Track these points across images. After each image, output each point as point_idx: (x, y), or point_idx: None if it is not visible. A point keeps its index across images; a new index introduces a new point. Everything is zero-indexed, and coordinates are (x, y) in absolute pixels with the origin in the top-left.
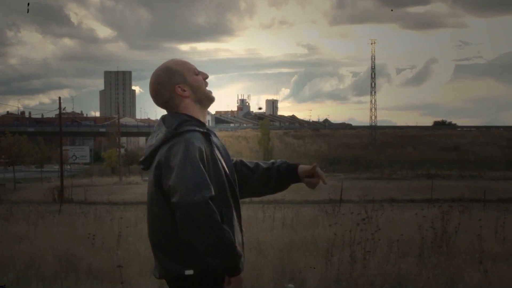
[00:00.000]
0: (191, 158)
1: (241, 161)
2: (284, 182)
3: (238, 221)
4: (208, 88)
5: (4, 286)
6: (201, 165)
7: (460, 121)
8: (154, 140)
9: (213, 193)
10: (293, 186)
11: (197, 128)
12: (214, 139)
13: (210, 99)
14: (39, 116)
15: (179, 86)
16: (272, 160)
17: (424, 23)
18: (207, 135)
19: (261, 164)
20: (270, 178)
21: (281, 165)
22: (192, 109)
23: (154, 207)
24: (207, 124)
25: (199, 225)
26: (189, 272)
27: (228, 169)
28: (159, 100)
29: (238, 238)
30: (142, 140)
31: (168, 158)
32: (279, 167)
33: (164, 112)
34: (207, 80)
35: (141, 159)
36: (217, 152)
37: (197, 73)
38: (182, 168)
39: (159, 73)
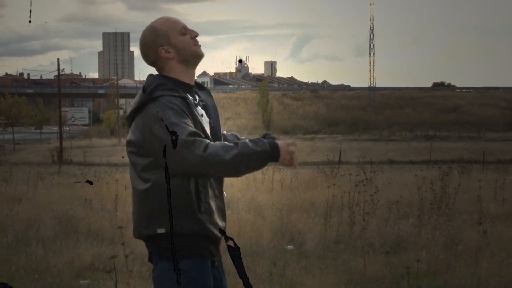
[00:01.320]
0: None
1: (232, 135)
2: None
3: (217, 185)
4: (198, 45)
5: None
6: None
7: (459, 82)
8: (134, 101)
9: (190, 130)
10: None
11: (172, 93)
12: (201, 97)
13: (198, 56)
14: (38, 78)
15: (163, 48)
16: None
17: None
18: (184, 99)
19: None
20: None
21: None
22: (177, 70)
23: (131, 170)
24: (193, 83)
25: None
26: (161, 230)
27: (212, 130)
28: (147, 60)
29: (214, 203)
30: None
31: (143, 129)
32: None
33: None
34: (197, 38)
35: (126, 116)
36: (199, 112)
37: (184, 32)
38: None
39: (145, 33)
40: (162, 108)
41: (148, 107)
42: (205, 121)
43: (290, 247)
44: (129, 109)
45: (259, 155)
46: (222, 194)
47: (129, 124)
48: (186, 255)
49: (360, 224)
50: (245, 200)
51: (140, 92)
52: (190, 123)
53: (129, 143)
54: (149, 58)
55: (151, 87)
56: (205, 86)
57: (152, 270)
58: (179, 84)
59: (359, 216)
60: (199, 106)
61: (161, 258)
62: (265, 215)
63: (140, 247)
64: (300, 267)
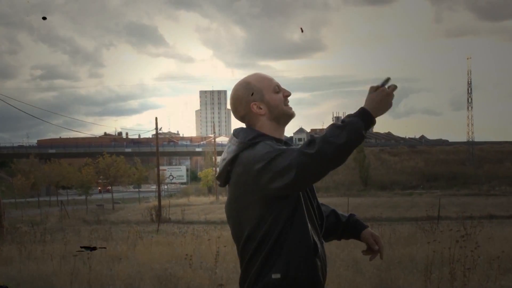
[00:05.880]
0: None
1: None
2: (346, 235)
3: (315, 233)
4: (291, 105)
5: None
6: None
7: None
8: (226, 153)
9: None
10: (390, 202)
11: (272, 142)
12: None
13: (289, 116)
14: (136, 137)
15: (255, 104)
16: (345, 214)
17: None
18: (286, 144)
19: (337, 212)
20: (337, 227)
21: (351, 218)
22: (267, 127)
23: (248, 212)
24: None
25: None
26: (276, 276)
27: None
28: (237, 114)
29: (321, 247)
30: None
31: (250, 159)
32: (348, 220)
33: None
34: (288, 98)
35: (216, 174)
36: None
37: (278, 90)
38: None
39: (238, 87)
40: (261, 146)
41: (244, 153)
42: None
43: None
44: (221, 163)
45: (355, 125)
46: (322, 242)
47: (222, 181)
48: None
49: (461, 280)
50: (343, 257)
51: (231, 141)
52: None
53: (248, 188)
54: (239, 112)
55: (251, 136)
56: (291, 143)
57: None
58: (276, 139)
59: (460, 272)
60: None
61: None
62: (363, 271)
63: None
64: None
